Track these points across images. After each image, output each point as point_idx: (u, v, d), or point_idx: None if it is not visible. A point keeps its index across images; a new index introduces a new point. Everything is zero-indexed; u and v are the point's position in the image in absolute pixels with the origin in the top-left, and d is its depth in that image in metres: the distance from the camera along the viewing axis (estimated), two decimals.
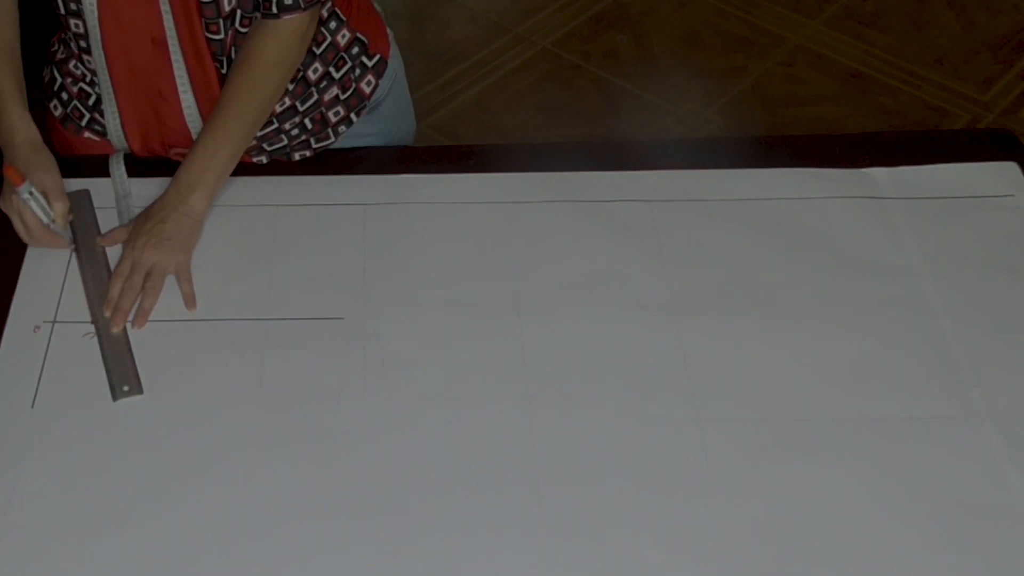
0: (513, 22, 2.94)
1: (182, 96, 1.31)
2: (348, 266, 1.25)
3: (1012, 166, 1.37)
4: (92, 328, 1.18)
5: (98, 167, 1.35)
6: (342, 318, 1.20)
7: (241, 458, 1.07)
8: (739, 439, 1.10)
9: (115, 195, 1.32)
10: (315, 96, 1.35)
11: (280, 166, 1.37)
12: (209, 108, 1.31)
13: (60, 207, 1.23)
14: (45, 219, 1.23)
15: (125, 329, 1.18)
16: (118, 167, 1.34)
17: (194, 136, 1.33)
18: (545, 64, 2.82)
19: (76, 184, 1.32)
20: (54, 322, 1.19)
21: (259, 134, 1.34)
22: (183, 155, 1.30)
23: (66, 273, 1.23)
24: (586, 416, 1.12)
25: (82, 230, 1.27)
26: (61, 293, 1.21)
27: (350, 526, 1.03)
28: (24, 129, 1.26)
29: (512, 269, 1.25)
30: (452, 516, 1.04)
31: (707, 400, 1.13)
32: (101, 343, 1.17)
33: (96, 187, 1.32)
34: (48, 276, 1.23)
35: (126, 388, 1.13)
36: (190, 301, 1.21)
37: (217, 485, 1.05)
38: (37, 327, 1.18)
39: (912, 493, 1.06)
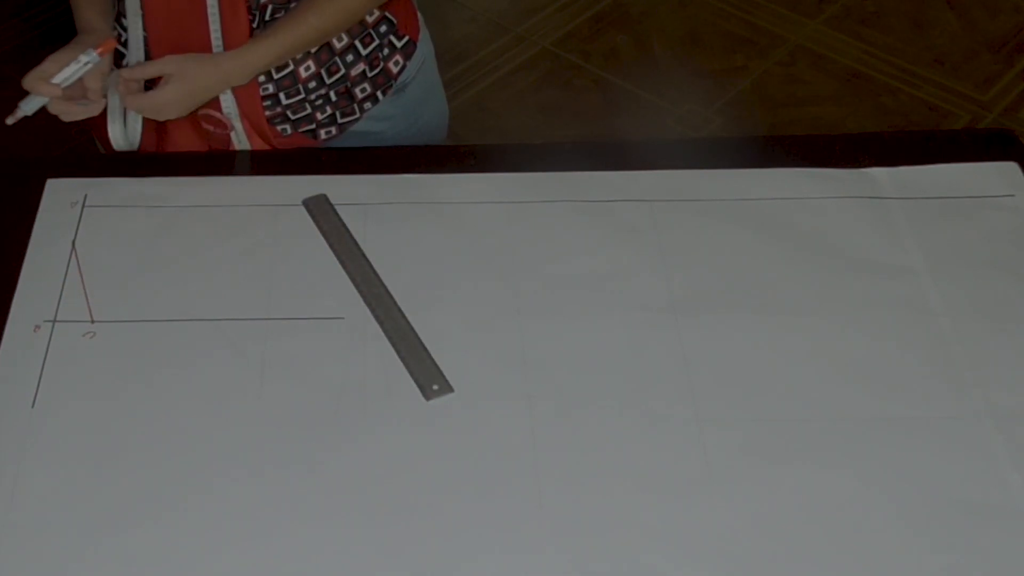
0: (513, 22, 2.94)
1: (214, 48, 1.32)
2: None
3: (1012, 166, 1.37)
4: (92, 328, 1.18)
5: (97, 167, 1.36)
6: (342, 318, 1.20)
7: (241, 457, 1.07)
8: (739, 438, 1.10)
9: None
10: (342, 70, 1.37)
11: (286, 161, 1.38)
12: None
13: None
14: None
15: (412, 327, 1.18)
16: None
17: (222, 96, 1.35)
18: (545, 64, 2.83)
19: (75, 184, 1.32)
20: (54, 322, 1.19)
21: (285, 102, 1.36)
22: (209, 118, 1.32)
23: (66, 273, 1.23)
24: (586, 416, 1.12)
25: (332, 233, 1.27)
26: (61, 293, 1.21)
27: (350, 525, 1.03)
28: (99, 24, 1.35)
29: (512, 269, 1.25)
30: (452, 515, 1.04)
31: (707, 400, 1.13)
32: (394, 344, 1.16)
33: (95, 187, 1.32)
34: (48, 276, 1.23)
35: (436, 387, 1.13)
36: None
37: (217, 484, 1.05)
38: (37, 327, 1.18)
39: (912, 493, 1.06)
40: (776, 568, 1.01)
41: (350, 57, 1.38)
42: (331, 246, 1.26)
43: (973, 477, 1.07)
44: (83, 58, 1.30)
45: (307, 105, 1.38)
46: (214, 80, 1.30)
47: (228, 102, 1.36)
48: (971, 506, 1.05)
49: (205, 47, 1.32)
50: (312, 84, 1.37)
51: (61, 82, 1.28)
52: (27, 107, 1.29)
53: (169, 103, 1.29)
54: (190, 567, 1.00)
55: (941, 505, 1.05)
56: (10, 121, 1.30)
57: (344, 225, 1.28)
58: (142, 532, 1.02)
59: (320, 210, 1.30)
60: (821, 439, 1.10)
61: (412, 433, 1.10)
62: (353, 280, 1.23)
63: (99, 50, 1.30)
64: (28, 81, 1.27)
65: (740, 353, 1.17)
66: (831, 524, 1.04)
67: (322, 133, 1.40)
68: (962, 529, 1.03)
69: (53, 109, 1.30)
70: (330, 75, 1.37)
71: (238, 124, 1.37)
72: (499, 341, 1.18)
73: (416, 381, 1.14)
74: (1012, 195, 1.34)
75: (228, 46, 1.32)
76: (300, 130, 1.40)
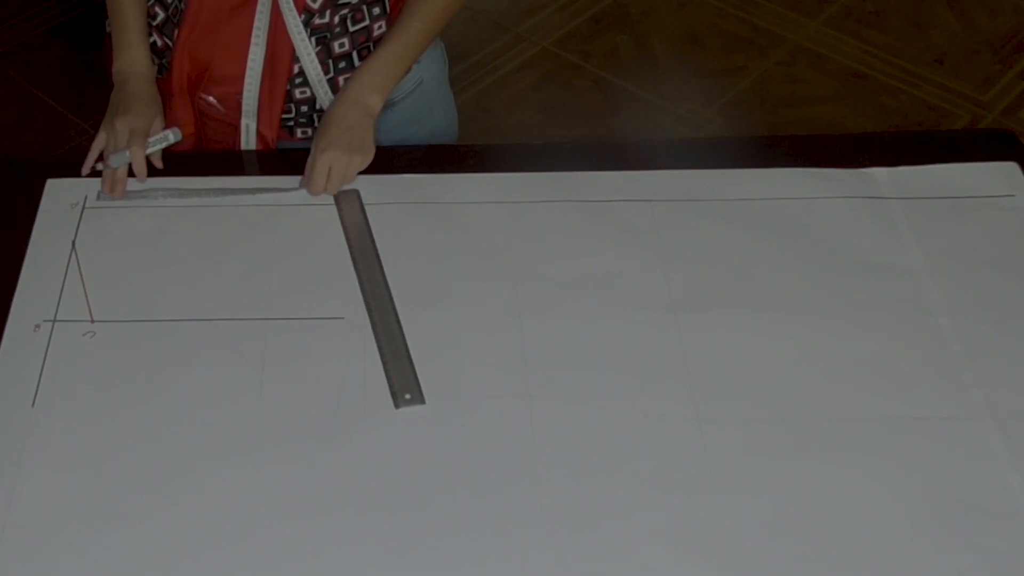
0: (513, 22, 2.94)
1: (253, 47, 1.33)
2: (348, 266, 1.25)
3: (1012, 166, 1.38)
4: (92, 328, 1.18)
5: (97, 168, 1.36)
6: (342, 318, 1.20)
7: (241, 457, 1.07)
8: (739, 438, 1.10)
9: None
10: (331, 72, 1.37)
11: (285, 162, 1.37)
12: (278, 65, 1.34)
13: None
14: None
15: (403, 334, 1.17)
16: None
17: (246, 91, 1.36)
18: (545, 64, 2.83)
19: (75, 184, 1.32)
20: (54, 321, 1.19)
21: None
22: (210, 103, 1.35)
23: (66, 272, 1.23)
24: (587, 416, 1.12)
25: (353, 228, 1.28)
26: (61, 293, 1.21)
27: (349, 524, 1.03)
28: (145, 65, 1.36)
29: (512, 269, 1.25)
30: (452, 516, 1.04)
31: (707, 399, 1.13)
32: (380, 347, 1.16)
33: (95, 187, 1.32)
34: (48, 276, 1.23)
35: (408, 396, 1.12)
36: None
37: (217, 484, 1.05)
38: (37, 326, 1.18)
39: (912, 493, 1.06)
40: (775, 566, 1.01)
41: (343, 64, 1.37)
42: (348, 241, 1.26)
43: (973, 477, 1.07)
44: (171, 136, 1.33)
45: (291, 107, 1.38)
46: (355, 113, 1.32)
47: (250, 101, 1.36)
48: (971, 506, 1.05)
49: (242, 39, 1.33)
50: (299, 78, 1.37)
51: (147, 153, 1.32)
52: (116, 162, 1.30)
53: (337, 157, 1.30)
54: (190, 565, 1.00)
55: (941, 504, 1.05)
56: (85, 171, 1.33)
57: (368, 224, 1.28)
58: (142, 530, 1.02)
59: (348, 204, 1.30)
60: (821, 439, 1.10)
61: (412, 433, 1.10)
62: (359, 278, 1.23)
63: (186, 132, 1.36)
64: (134, 146, 1.29)
65: (740, 352, 1.17)
66: (830, 523, 1.04)
67: (299, 132, 1.40)
68: (961, 529, 1.03)
69: (106, 186, 1.30)
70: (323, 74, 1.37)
71: (252, 124, 1.38)
72: (499, 341, 1.18)
73: (391, 387, 1.13)
74: (1012, 195, 1.34)
75: (271, 40, 1.32)
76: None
